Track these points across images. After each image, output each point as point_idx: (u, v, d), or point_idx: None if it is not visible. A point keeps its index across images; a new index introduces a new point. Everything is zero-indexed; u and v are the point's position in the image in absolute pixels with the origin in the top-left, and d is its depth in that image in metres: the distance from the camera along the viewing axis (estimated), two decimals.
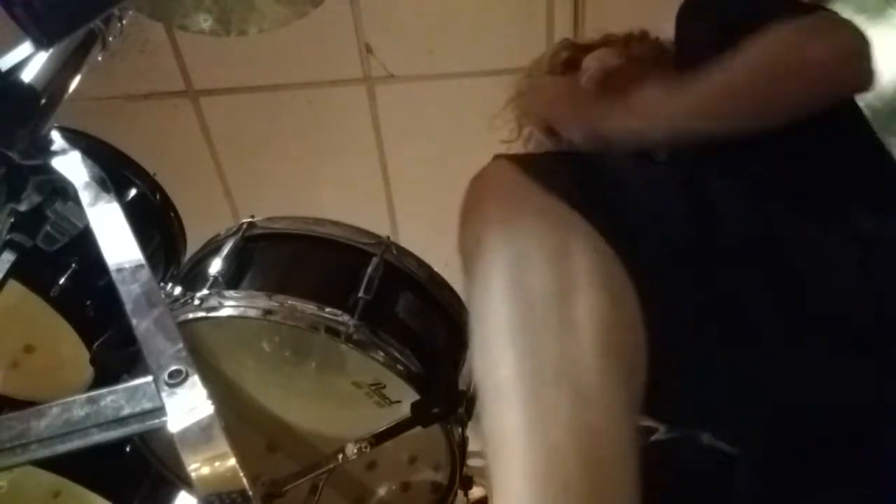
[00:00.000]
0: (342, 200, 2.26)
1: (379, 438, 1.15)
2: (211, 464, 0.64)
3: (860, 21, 0.93)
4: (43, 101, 1.00)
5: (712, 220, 0.65)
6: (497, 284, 0.58)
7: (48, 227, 1.02)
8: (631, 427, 0.53)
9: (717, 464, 0.80)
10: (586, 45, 1.24)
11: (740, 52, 0.82)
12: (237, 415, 1.22)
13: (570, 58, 1.22)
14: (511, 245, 0.60)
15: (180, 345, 0.72)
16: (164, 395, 0.68)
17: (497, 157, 0.66)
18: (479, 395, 0.57)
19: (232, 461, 0.64)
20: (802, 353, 0.65)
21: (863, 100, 0.94)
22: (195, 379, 0.69)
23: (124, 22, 1.22)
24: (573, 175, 0.64)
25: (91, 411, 0.69)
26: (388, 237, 1.21)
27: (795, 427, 0.70)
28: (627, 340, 0.56)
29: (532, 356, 0.54)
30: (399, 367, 1.08)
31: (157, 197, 1.39)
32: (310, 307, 1.09)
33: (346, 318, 1.07)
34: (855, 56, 0.82)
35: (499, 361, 0.55)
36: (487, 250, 0.60)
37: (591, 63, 1.17)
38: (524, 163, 0.65)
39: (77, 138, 1.12)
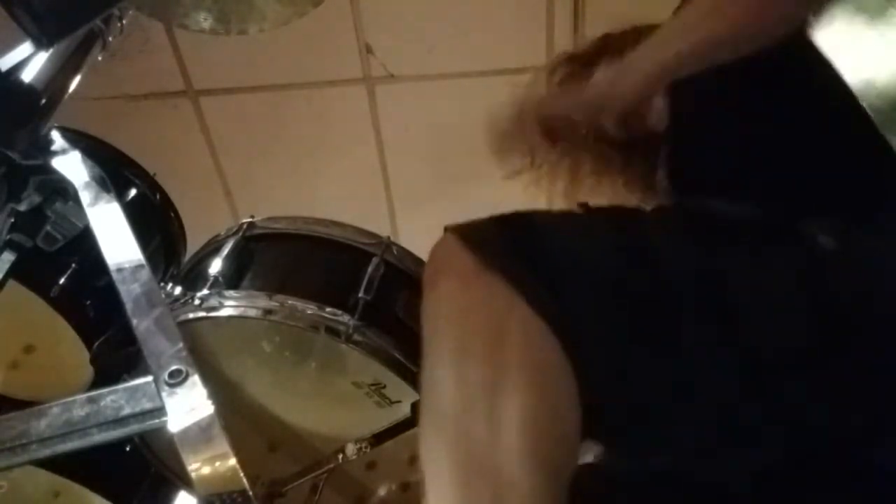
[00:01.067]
0: (342, 200, 2.26)
1: (379, 438, 1.15)
2: (211, 464, 0.64)
3: (860, 21, 0.93)
4: (43, 101, 1.00)
5: (655, 276, 0.68)
6: (442, 369, 0.64)
7: (48, 227, 1.02)
8: None
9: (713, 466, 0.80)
10: (585, 53, 1.24)
11: None
12: (237, 415, 1.22)
13: (569, 74, 1.23)
14: (456, 328, 0.65)
15: (180, 345, 0.72)
16: (164, 395, 0.68)
17: (446, 230, 0.72)
18: (422, 473, 0.62)
19: (232, 461, 0.64)
20: (751, 392, 0.67)
21: (865, 100, 0.93)
22: (195, 379, 0.69)
23: (124, 22, 1.22)
24: (506, 244, 0.68)
25: (91, 411, 0.69)
26: (388, 237, 1.21)
27: (757, 454, 0.71)
28: (554, 430, 0.61)
29: (463, 444, 0.59)
30: (399, 367, 1.08)
31: (157, 197, 1.39)
32: (310, 307, 1.09)
33: (346, 318, 1.07)
34: None
35: (436, 445, 0.61)
36: (437, 333, 0.66)
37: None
38: (470, 239, 0.69)
39: (77, 138, 1.12)
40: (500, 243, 0.70)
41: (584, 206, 0.81)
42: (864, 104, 0.88)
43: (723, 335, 0.67)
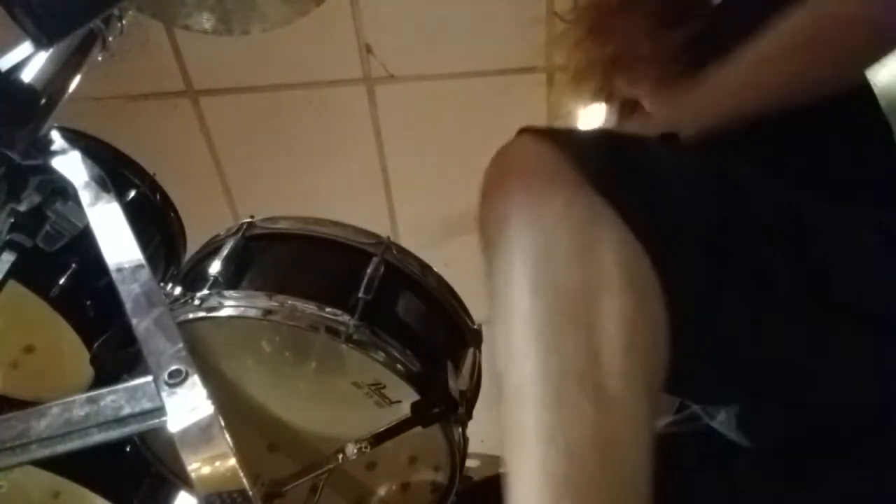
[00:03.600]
0: (342, 200, 2.26)
1: (379, 438, 1.15)
2: (211, 464, 0.64)
3: None
4: (43, 101, 1.00)
5: (740, 204, 0.65)
6: (521, 278, 0.56)
7: (48, 227, 1.02)
8: (650, 432, 0.53)
9: (719, 455, 0.80)
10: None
11: (770, 28, 0.80)
12: (237, 415, 1.22)
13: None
14: (538, 234, 0.57)
15: (180, 345, 0.72)
16: (164, 394, 0.68)
17: (524, 130, 0.64)
18: (500, 388, 0.56)
19: (232, 461, 0.64)
20: (825, 338, 0.65)
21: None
22: (195, 379, 0.69)
23: (124, 22, 1.22)
24: (602, 155, 0.62)
25: (91, 411, 0.69)
26: (389, 237, 1.21)
27: (812, 407, 0.70)
28: (652, 345, 0.55)
29: (556, 355, 0.53)
30: (399, 367, 1.08)
31: (157, 197, 1.39)
32: (310, 307, 1.09)
33: (346, 318, 1.07)
34: (887, 9, 0.80)
35: (522, 357, 0.54)
36: (512, 239, 0.58)
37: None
38: (555, 137, 0.62)
39: (77, 138, 1.12)
40: (589, 147, 0.62)
41: (669, 136, 0.75)
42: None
43: (810, 287, 0.63)
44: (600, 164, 0.60)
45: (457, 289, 1.24)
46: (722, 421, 0.78)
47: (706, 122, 0.82)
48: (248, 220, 1.24)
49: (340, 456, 1.18)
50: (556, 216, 0.58)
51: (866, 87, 0.92)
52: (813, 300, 0.64)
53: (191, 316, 1.09)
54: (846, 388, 0.68)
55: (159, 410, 0.68)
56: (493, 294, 0.59)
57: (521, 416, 0.52)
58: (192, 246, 1.39)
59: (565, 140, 0.62)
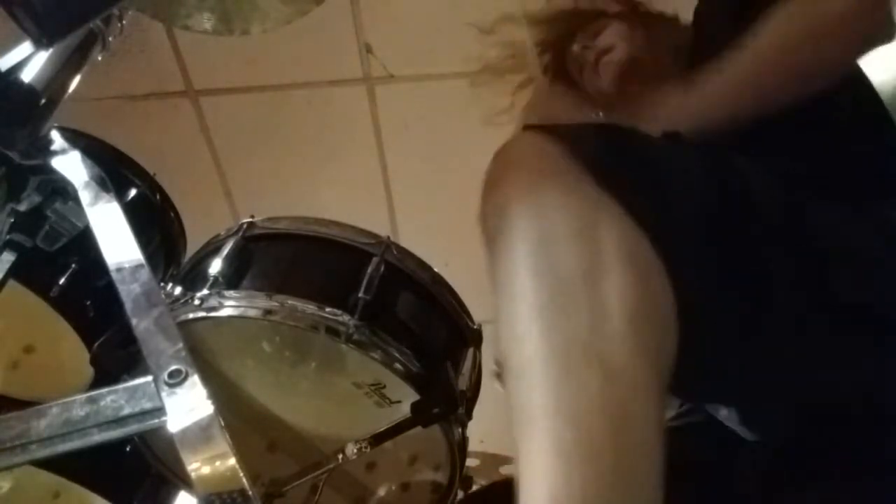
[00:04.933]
0: (342, 200, 2.26)
1: (379, 438, 1.15)
2: (211, 464, 0.64)
3: None
4: (43, 101, 1.00)
5: (742, 200, 0.65)
6: (523, 260, 0.57)
7: (48, 227, 1.02)
8: (660, 406, 0.53)
9: (723, 450, 0.80)
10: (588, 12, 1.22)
11: (759, 28, 0.81)
12: (237, 415, 1.22)
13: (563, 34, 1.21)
14: (538, 219, 0.58)
15: (180, 345, 0.72)
16: (164, 395, 0.68)
17: (526, 127, 0.65)
18: (505, 370, 0.56)
19: (232, 461, 0.64)
20: (825, 336, 0.65)
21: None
22: (195, 379, 0.69)
23: (124, 22, 1.22)
24: (603, 148, 0.62)
25: (91, 411, 0.69)
26: (389, 237, 1.21)
27: (812, 406, 0.69)
28: (656, 319, 0.55)
29: (560, 332, 0.54)
30: (399, 367, 1.08)
31: (157, 197, 1.39)
32: (310, 307, 1.09)
33: (346, 318, 1.07)
34: (873, 4, 0.81)
35: (525, 337, 0.55)
36: (513, 224, 0.59)
37: (613, 41, 1.15)
38: (556, 131, 0.63)
39: (77, 138, 1.12)
40: (588, 139, 0.63)
41: (671, 134, 0.76)
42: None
43: (810, 282, 0.63)
44: (601, 155, 0.61)
45: (457, 289, 1.24)
46: (725, 416, 0.78)
47: (703, 123, 0.82)
48: (248, 220, 1.24)
49: (340, 456, 1.18)
50: (555, 203, 0.58)
51: (863, 81, 0.92)
52: (814, 299, 0.64)
53: (191, 316, 1.09)
54: (846, 387, 0.68)
55: (159, 410, 0.68)
56: (496, 281, 0.59)
57: (527, 393, 0.53)
58: (192, 246, 1.39)
59: (566, 134, 0.63)
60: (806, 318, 0.64)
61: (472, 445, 1.22)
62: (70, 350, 1.24)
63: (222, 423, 0.66)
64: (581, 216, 0.58)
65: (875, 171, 0.82)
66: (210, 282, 1.13)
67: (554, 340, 0.53)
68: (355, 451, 1.16)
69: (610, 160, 0.61)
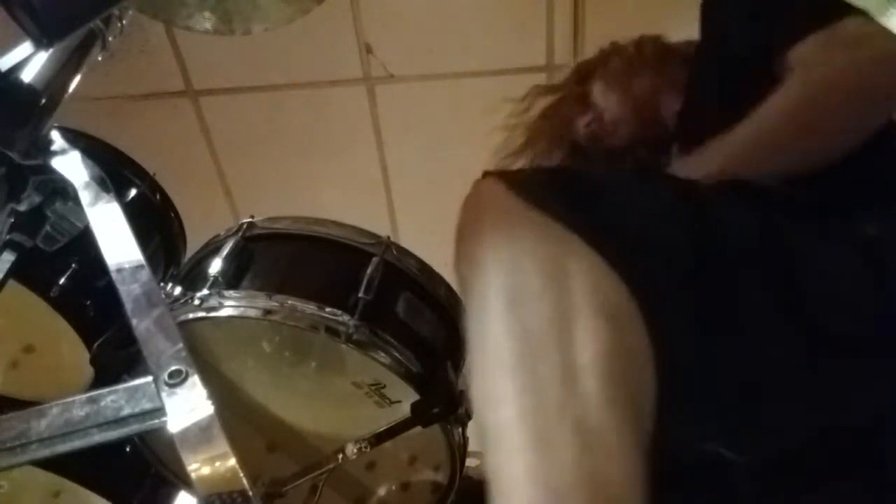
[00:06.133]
0: (342, 200, 2.26)
1: (379, 438, 1.15)
2: (211, 464, 0.64)
3: None
4: (43, 101, 1.00)
5: (715, 233, 0.64)
6: (494, 315, 0.57)
7: (48, 227, 1.02)
8: (639, 460, 0.51)
9: (715, 466, 0.79)
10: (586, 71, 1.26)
11: (780, 91, 0.82)
12: (237, 415, 1.22)
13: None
14: (507, 271, 0.58)
15: (180, 345, 0.72)
16: (164, 395, 0.68)
17: (486, 174, 0.65)
18: (480, 430, 0.55)
19: (232, 461, 0.64)
20: (807, 363, 0.64)
21: None
22: (195, 379, 0.69)
23: (124, 22, 1.22)
24: (568, 192, 0.62)
25: (91, 411, 0.69)
26: (388, 237, 1.21)
27: (800, 433, 0.69)
28: (631, 371, 0.54)
29: (533, 393, 0.52)
30: (399, 367, 1.08)
31: (157, 197, 1.39)
32: (310, 307, 1.09)
33: (346, 318, 1.07)
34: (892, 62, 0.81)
35: (499, 399, 0.54)
36: (484, 280, 0.59)
37: (602, 102, 1.21)
38: (517, 182, 0.62)
39: (77, 138, 1.12)
40: (552, 186, 0.63)
41: (639, 170, 0.75)
42: None
43: (788, 310, 0.62)
44: (565, 198, 0.61)
45: (457, 289, 1.24)
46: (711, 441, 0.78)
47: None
48: (248, 220, 1.24)
49: (340, 456, 1.18)
50: (524, 254, 0.58)
51: None
52: (794, 324, 0.63)
53: (191, 316, 1.09)
54: (832, 410, 0.68)
55: (159, 411, 0.68)
56: (469, 332, 0.59)
57: (506, 459, 0.52)
58: (192, 246, 1.39)
59: (528, 181, 0.63)
60: (785, 344, 0.64)
61: (472, 445, 1.22)
62: (70, 350, 1.24)
63: (222, 423, 0.66)
64: (550, 260, 0.57)
65: (847, 180, 0.82)
66: (210, 282, 1.13)
67: (528, 404, 0.52)
68: (355, 451, 1.16)
69: (575, 204, 0.60)
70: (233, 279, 1.15)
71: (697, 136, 0.87)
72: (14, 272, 1.01)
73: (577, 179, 0.66)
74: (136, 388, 0.70)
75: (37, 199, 1.01)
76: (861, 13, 0.87)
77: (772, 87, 0.84)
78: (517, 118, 1.31)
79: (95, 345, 1.15)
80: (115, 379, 0.89)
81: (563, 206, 0.59)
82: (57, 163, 0.99)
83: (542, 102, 1.30)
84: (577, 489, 0.49)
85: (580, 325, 0.54)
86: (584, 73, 1.27)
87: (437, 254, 1.27)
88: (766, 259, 0.64)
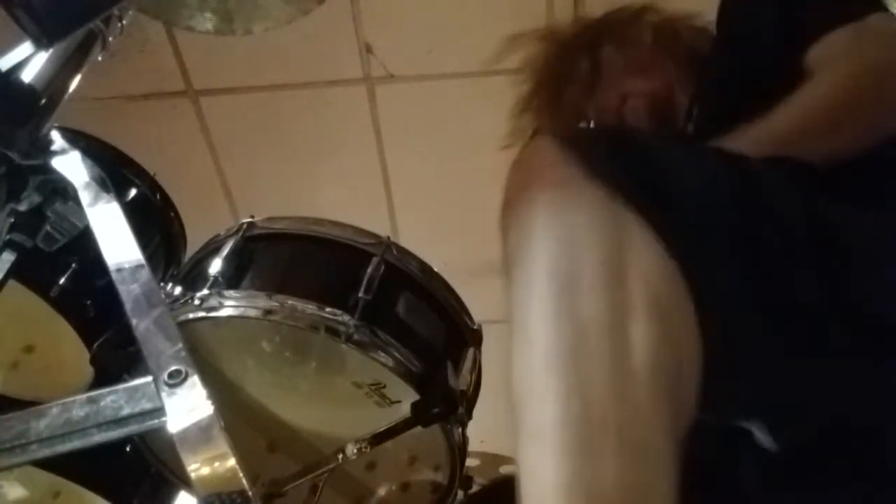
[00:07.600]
0: (342, 200, 2.26)
1: (379, 438, 1.15)
2: (211, 464, 0.64)
3: None
4: (43, 101, 1.00)
5: (765, 211, 0.62)
6: (543, 304, 0.53)
7: (48, 227, 1.02)
8: (675, 472, 0.49)
9: (724, 450, 0.79)
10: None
11: (808, 85, 0.82)
12: (237, 415, 1.22)
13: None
14: (561, 252, 0.54)
15: (180, 345, 0.72)
16: (163, 395, 0.68)
17: (538, 133, 0.63)
18: (515, 423, 0.52)
19: (232, 461, 0.64)
20: (848, 353, 0.64)
21: None
22: (195, 379, 0.69)
23: (124, 22, 1.22)
24: (628, 162, 0.58)
25: (91, 411, 0.69)
26: (388, 237, 1.21)
27: (832, 417, 0.68)
28: (679, 379, 0.52)
29: (580, 396, 0.50)
30: (399, 367, 1.08)
31: (157, 197, 1.39)
32: (310, 307, 1.09)
33: (346, 318, 1.07)
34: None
35: (542, 397, 0.51)
36: (533, 254, 0.55)
37: (633, 87, 1.21)
38: (573, 146, 0.59)
39: (77, 138, 1.12)
40: (610, 155, 0.59)
41: (686, 136, 0.73)
42: None
43: (836, 291, 0.60)
44: (626, 170, 0.57)
45: (457, 289, 1.24)
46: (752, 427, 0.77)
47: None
48: (248, 220, 1.24)
49: (340, 456, 1.18)
50: (581, 235, 0.54)
51: None
52: (838, 312, 0.61)
53: (191, 316, 1.09)
54: (859, 396, 0.67)
55: (159, 411, 0.68)
56: (513, 313, 0.55)
57: (540, 462, 0.49)
58: (192, 246, 1.39)
59: (587, 146, 0.60)
60: (829, 334, 0.61)
61: (472, 445, 1.22)
62: (70, 350, 1.24)
63: (222, 424, 0.66)
64: (610, 246, 0.53)
65: (890, 167, 0.81)
66: (210, 282, 1.13)
67: (573, 407, 0.49)
68: (355, 451, 1.16)
69: (635, 174, 0.57)
70: (233, 279, 1.15)
71: (716, 124, 0.87)
72: (14, 272, 1.02)
73: (637, 146, 0.62)
74: (136, 388, 0.70)
75: (37, 199, 1.01)
76: (885, 9, 0.88)
77: (799, 78, 0.85)
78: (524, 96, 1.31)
79: (95, 345, 1.14)
80: (115, 379, 0.89)
81: (623, 180, 0.56)
82: (57, 163, 0.99)
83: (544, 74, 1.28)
84: (617, 499, 0.47)
85: (634, 325, 0.51)
86: (590, 46, 1.27)
87: (437, 254, 1.28)
88: (815, 240, 0.62)
